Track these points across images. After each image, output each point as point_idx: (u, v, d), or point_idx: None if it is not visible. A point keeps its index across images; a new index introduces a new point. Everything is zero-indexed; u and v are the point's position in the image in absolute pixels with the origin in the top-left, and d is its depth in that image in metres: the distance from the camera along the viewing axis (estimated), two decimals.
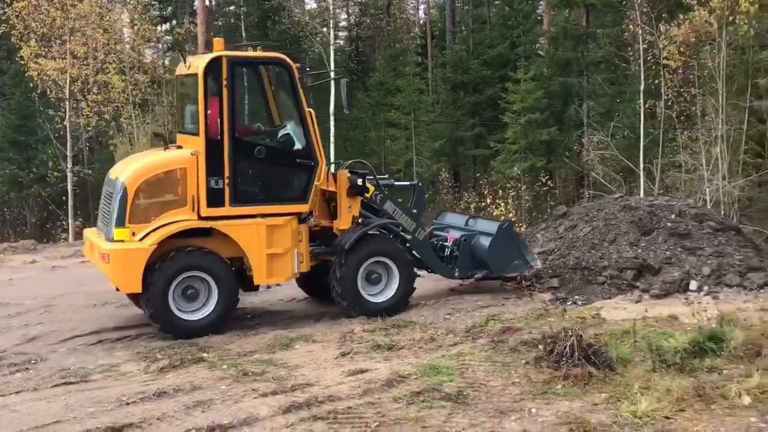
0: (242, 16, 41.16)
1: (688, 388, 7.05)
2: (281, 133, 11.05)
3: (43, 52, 27.35)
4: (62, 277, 14.63)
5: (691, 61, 25.67)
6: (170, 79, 33.48)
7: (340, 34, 51.36)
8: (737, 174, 24.31)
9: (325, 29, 37.88)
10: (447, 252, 12.03)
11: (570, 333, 8.00)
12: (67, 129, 27.60)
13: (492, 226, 12.21)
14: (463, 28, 43.98)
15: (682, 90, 26.21)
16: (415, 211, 11.90)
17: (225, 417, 6.86)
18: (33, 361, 9.13)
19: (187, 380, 8.02)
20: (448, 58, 41.12)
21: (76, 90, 27.80)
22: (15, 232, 32.74)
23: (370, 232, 11.10)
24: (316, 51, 39.07)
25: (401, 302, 11.25)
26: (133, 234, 9.96)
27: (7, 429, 6.91)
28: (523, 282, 12.26)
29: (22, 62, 28.01)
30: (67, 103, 27.39)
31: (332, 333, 10.01)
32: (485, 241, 11.87)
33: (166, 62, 38.69)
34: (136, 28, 32.25)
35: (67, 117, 27.40)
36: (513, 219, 26.93)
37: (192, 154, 10.24)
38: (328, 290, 11.19)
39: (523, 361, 8.24)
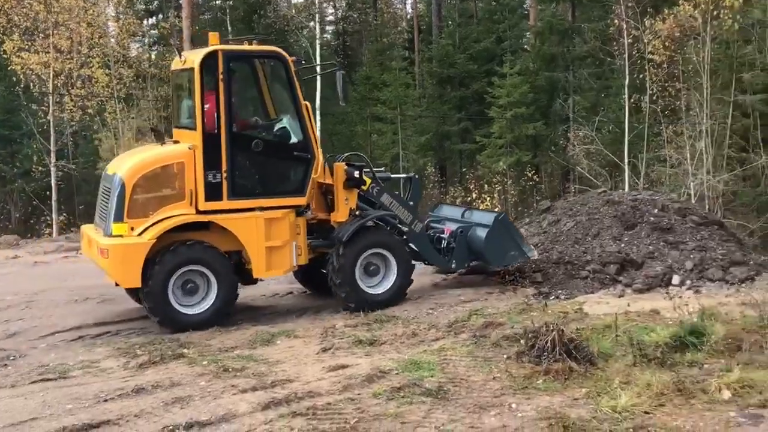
0: (228, 10, 41.00)
1: (668, 382, 7.03)
2: (278, 126, 11.04)
3: (26, 46, 27.15)
4: (44, 273, 14.53)
5: (676, 55, 25.69)
6: (155, 73, 33.42)
7: (327, 28, 51.27)
8: (721, 168, 24.38)
9: (311, 23, 37.82)
10: (444, 244, 12.03)
11: (551, 328, 7.97)
12: (51, 123, 27.43)
13: (488, 218, 12.22)
14: (450, 22, 43.95)
15: (666, 84, 26.23)
16: (411, 203, 11.92)
17: (203, 413, 6.81)
18: (12, 358, 9.05)
19: (166, 376, 7.96)
20: (434, 52, 41.09)
21: (59, 84, 27.62)
22: None
23: (367, 224, 11.09)
24: (303, 45, 38.96)
25: (399, 293, 11.28)
26: (132, 229, 9.98)
27: None
28: (507, 277, 12.24)
29: (5, 56, 27.80)
30: (51, 97, 27.21)
31: (314, 328, 9.97)
32: (482, 233, 11.87)
33: (152, 56, 38.53)
34: (121, 22, 32.11)
35: (51, 111, 27.22)
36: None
37: (189, 148, 10.24)
38: (325, 283, 11.19)
39: (505, 356, 8.21)
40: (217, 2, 45.33)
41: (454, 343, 8.86)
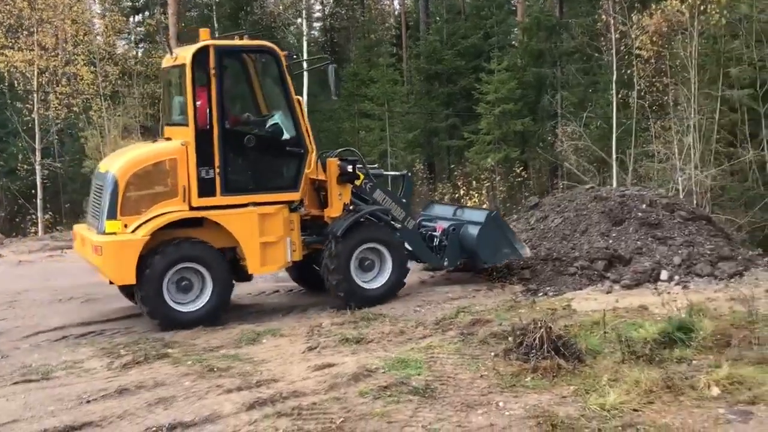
0: (214, 7, 40.79)
1: (657, 379, 6.96)
2: (270, 121, 11.01)
3: (10, 44, 26.94)
4: (28, 272, 14.41)
5: (664, 50, 25.68)
6: (141, 70, 33.23)
7: (314, 24, 51.12)
8: (709, 163, 24.35)
9: (299, 20, 37.63)
10: (436, 242, 11.96)
11: (539, 325, 7.90)
12: (36, 122, 27.22)
13: (480, 215, 12.17)
14: (437, 18, 43.87)
15: (654, 80, 26.23)
16: (404, 200, 11.89)
17: (187, 414, 6.71)
18: None
19: (150, 376, 7.85)
20: (422, 48, 41.00)
21: (44, 82, 27.41)
22: None
23: (362, 219, 11.03)
24: (290, 42, 38.80)
25: (394, 288, 11.26)
26: (125, 226, 9.93)
27: None
28: (495, 274, 12.18)
29: None
30: (36, 95, 26.99)
31: (300, 327, 9.88)
32: (474, 230, 11.82)
33: (138, 54, 38.34)
34: (106, 19, 31.91)
35: (36, 109, 27.02)
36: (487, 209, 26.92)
37: (182, 144, 10.19)
38: (320, 280, 11.14)
39: (492, 354, 8.13)
40: None
41: (442, 341, 8.79)
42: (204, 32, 10.64)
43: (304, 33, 36.10)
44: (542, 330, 7.82)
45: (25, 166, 30.26)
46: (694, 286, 11.29)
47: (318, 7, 51.38)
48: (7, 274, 14.26)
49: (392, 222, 11.56)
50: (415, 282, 12.26)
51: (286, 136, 10.82)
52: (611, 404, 6.55)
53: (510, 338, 8.18)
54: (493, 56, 34.86)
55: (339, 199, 11.13)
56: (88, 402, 7.18)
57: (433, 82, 39.89)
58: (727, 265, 11.79)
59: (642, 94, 26.42)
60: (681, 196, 21.05)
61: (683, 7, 23.83)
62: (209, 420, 6.59)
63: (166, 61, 11.28)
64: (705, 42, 25.25)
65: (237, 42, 11.01)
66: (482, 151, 33.62)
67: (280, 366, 8.17)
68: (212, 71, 10.19)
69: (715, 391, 6.78)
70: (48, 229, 27.69)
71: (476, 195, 30.10)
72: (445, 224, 12.18)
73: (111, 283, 10.54)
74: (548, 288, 11.57)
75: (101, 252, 9.88)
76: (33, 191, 28.69)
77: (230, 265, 10.49)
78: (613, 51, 26.89)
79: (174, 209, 10.11)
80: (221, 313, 10.33)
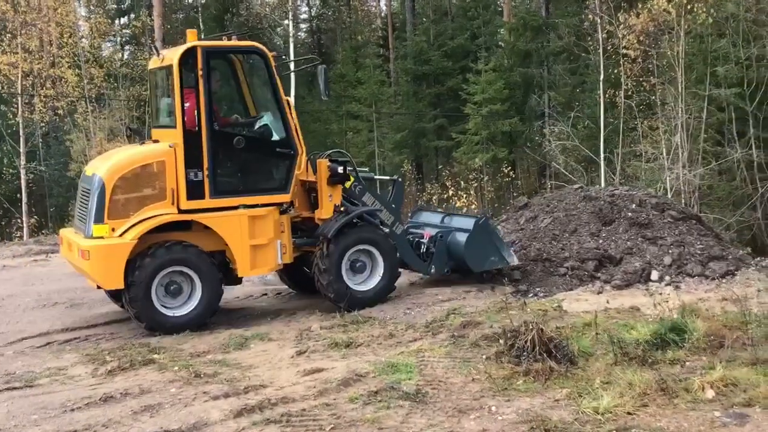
0: (200, 9, 40.61)
1: (651, 381, 6.86)
2: (259, 122, 10.89)
3: None
4: (12, 277, 14.19)
5: (651, 50, 25.69)
6: (127, 72, 33.02)
7: (301, 26, 51.00)
8: (697, 162, 24.38)
9: (285, 21, 37.51)
10: (423, 249, 11.86)
11: (531, 327, 7.79)
12: (20, 125, 26.99)
13: (468, 223, 12.06)
14: (424, 19, 43.80)
15: (641, 79, 26.24)
16: (393, 205, 11.77)
17: (174, 422, 6.58)
18: None
19: (136, 383, 7.71)
20: (408, 49, 40.91)
21: (28, 85, 27.18)
22: None
23: (353, 220, 10.93)
24: (277, 44, 38.66)
25: (386, 290, 11.16)
26: (113, 230, 9.80)
27: None
28: (484, 275, 12.08)
29: None
30: (20, 98, 26.76)
31: (289, 331, 9.75)
32: (461, 238, 11.71)
33: (124, 56, 38.14)
34: (91, 21, 31.70)
35: (20, 113, 26.78)
36: (475, 210, 26.88)
37: (170, 146, 10.06)
38: (310, 282, 11.04)
39: (484, 357, 8.02)
40: (189, 0, 44.93)
41: (432, 344, 8.66)
42: (191, 33, 10.53)
43: (291, 34, 35.97)
44: (534, 332, 7.71)
45: (10, 170, 30.02)
46: (685, 287, 11.24)
47: (305, 8, 51.29)
48: None
49: (381, 226, 11.43)
50: (404, 283, 12.14)
51: (275, 137, 10.72)
52: (605, 407, 6.44)
53: (501, 341, 8.05)
54: (480, 57, 34.83)
55: (330, 201, 11.01)
56: (72, 410, 7.03)
57: (420, 83, 39.80)
58: (717, 265, 11.74)
59: (629, 93, 26.43)
60: (669, 196, 21.03)
61: (670, 6, 23.85)
62: (196, 428, 6.46)
63: (153, 63, 11.15)
64: (692, 41, 25.30)
65: (225, 43, 10.92)
66: (470, 152, 33.54)
67: (268, 371, 8.04)
68: (200, 72, 10.06)
69: (710, 393, 6.69)
70: (34, 233, 27.46)
71: (465, 195, 30.00)
72: (432, 231, 12.07)
73: (99, 287, 10.38)
74: (539, 289, 11.50)
75: (88, 256, 9.73)
76: (18, 195, 28.46)
77: (220, 269, 10.36)
78: (600, 51, 26.90)
79: (162, 212, 9.98)
80: (210, 317, 10.21)
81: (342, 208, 11.03)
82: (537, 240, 12.60)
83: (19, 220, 28.48)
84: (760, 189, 24.23)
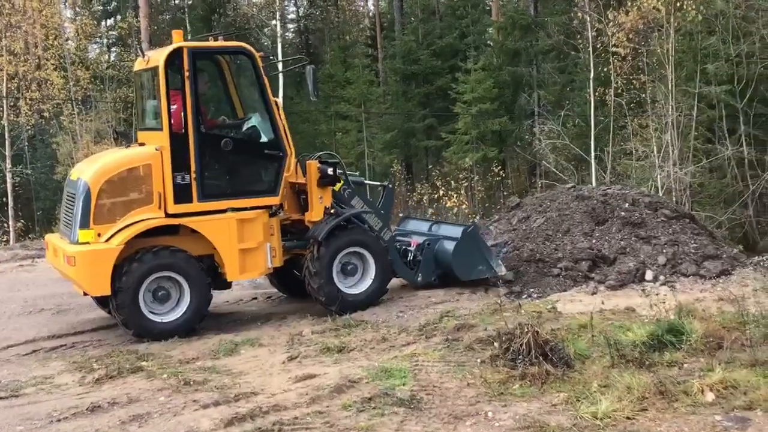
0: (187, 9, 40.38)
1: (649, 385, 6.74)
2: (247, 124, 10.75)
3: None
4: None
5: (640, 48, 25.63)
6: (113, 74, 32.79)
7: (289, 26, 50.83)
8: (688, 160, 24.34)
9: (273, 22, 37.33)
10: (410, 257, 11.72)
11: (526, 329, 7.67)
12: (5, 128, 26.73)
13: (456, 231, 11.91)
14: (412, 18, 43.68)
15: (631, 77, 26.18)
16: (383, 211, 11.61)
17: None
18: None
19: (123, 392, 7.53)
20: (397, 49, 40.80)
21: (13, 87, 26.92)
22: None
23: (344, 222, 10.78)
24: (264, 44, 38.47)
25: (378, 293, 11.00)
26: (99, 235, 9.61)
27: None
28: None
29: None
30: (5, 101, 26.50)
31: (280, 336, 9.58)
32: (449, 246, 11.56)
33: (111, 58, 37.90)
34: (77, 23, 31.45)
35: (5, 116, 26.52)
36: (466, 210, 26.77)
37: (156, 149, 9.89)
38: (301, 285, 10.88)
39: (479, 360, 7.88)
40: (175, 1, 44.69)
41: (426, 348, 8.51)
42: (177, 34, 10.36)
43: (279, 35, 35.80)
44: (529, 335, 7.60)
45: None
46: (680, 286, 11.12)
47: (292, 8, 51.09)
48: None
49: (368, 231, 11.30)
50: (396, 286, 11.96)
51: (263, 138, 10.57)
52: (603, 412, 6.32)
53: (496, 344, 7.93)
54: (469, 56, 34.76)
55: (320, 203, 10.86)
56: (59, 420, 6.85)
57: (409, 83, 39.69)
58: (712, 264, 11.63)
59: (619, 91, 26.37)
60: (660, 194, 20.96)
61: (659, 3, 23.78)
62: None
63: (139, 64, 10.98)
64: (681, 39, 25.26)
65: (211, 43, 10.76)
66: (460, 151, 33.45)
67: (259, 378, 7.87)
68: (186, 74, 9.90)
69: (710, 396, 6.58)
70: (20, 236, 27.20)
71: (455, 195, 29.86)
72: (419, 239, 11.93)
73: (85, 294, 10.20)
74: (532, 290, 11.36)
75: (74, 262, 9.56)
76: (4, 199, 28.18)
77: (208, 273, 10.19)
78: (590, 49, 26.82)
79: (149, 216, 9.80)
80: (199, 322, 10.04)
81: (332, 211, 10.88)
82: (530, 240, 12.45)
83: (5, 225, 28.20)
84: (751, 186, 24.21)
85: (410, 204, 30.55)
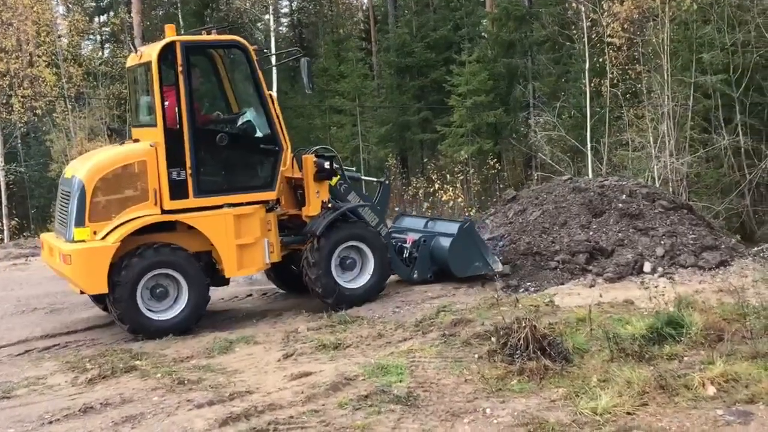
0: (179, 5, 40.14)
1: (650, 379, 6.64)
2: (242, 119, 10.65)
3: None
4: None
5: (636, 38, 25.50)
6: (106, 71, 32.61)
7: (282, 20, 50.59)
8: (684, 150, 24.22)
9: (266, 16, 37.10)
10: (406, 254, 11.62)
11: (524, 324, 7.57)
12: None
13: (452, 227, 11.82)
14: (406, 11, 43.48)
15: (627, 67, 26.03)
16: (379, 207, 11.55)
17: None
18: None
19: (117, 392, 7.43)
20: (391, 42, 40.59)
21: (5, 85, 26.73)
22: None
23: (341, 216, 10.70)
24: (258, 38, 38.24)
25: (377, 287, 10.95)
26: (95, 233, 9.55)
27: None
28: None
29: None
30: None
31: (275, 333, 9.49)
32: (445, 242, 11.48)
33: (105, 54, 37.71)
34: (69, 19, 31.25)
35: None
36: (461, 203, 26.65)
37: (151, 146, 9.81)
38: (299, 281, 10.81)
39: (476, 356, 7.79)
40: None
41: (423, 344, 8.42)
42: (169, 28, 10.27)
43: (272, 29, 35.58)
44: (527, 329, 7.50)
45: None
46: (679, 278, 11.04)
47: (285, 2, 50.83)
48: None
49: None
50: (392, 281, 11.86)
51: (259, 133, 10.50)
52: (603, 408, 6.22)
53: (493, 339, 7.82)
54: (464, 48, 34.55)
55: (317, 197, 10.78)
56: (51, 422, 6.75)
57: (403, 76, 39.51)
58: (711, 255, 11.55)
59: (615, 82, 26.22)
60: (657, 185, 20.87)
61: None
62: None
63: (131, 60, 10.88)
64: (677, 28, 25.10)
65: (204, 37, 10.66)
66: (455, 144, 33.30)
67: (254, 376, 7.77)
68: (179, 68, 9.81)
69: (711, 390, 6.48)
70: (15, 235, 27.05)
71: (450, 188, 29.71)
72: (415, 236, 11.83)
73: (82, 292, 10.08)
74: (529, 283, 11.28)
75: (70, 261, 9.47)
76: None
77: (206, 270, 10.11)
78: (585, 39, 26.66)
79: (145, 213, 9.74)
80: (197, 320, 9.97)
81: (329, 205, 10.78)
82: (526, 233, 12.36)
83: None
84: (748, 176, 24.09)
85: (405, 198, 30.40)
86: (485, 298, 10.45)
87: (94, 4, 42.38)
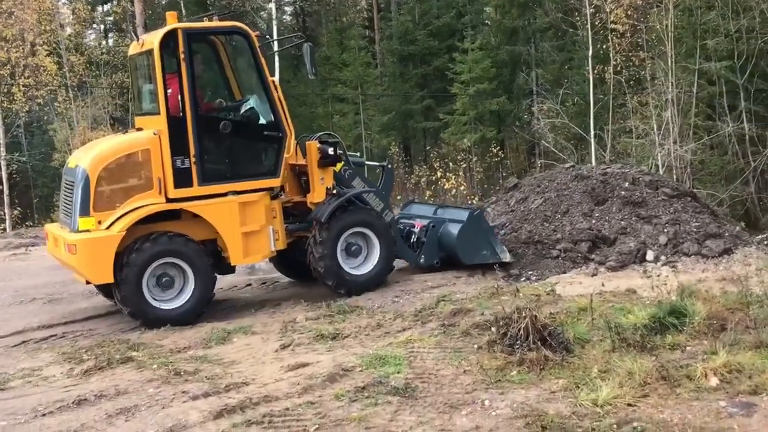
0: None
1: (651, 369, 6.53)
2: (245, 106, 10.58)
3: None
4: None
5: (639, 24, 25.32)
6: (108, 59, 32.52)
7: (285, 8, 50.35)
8: (688, 137, 24.08)
9: (269, 4, 36.91)
10: (413, 239, 11.53)
11: (524, 314, 7.46)
12: None
13: (462, 214, 11.73)
14: None
15: (630, 54, 25.88)
16: (383, 192, 11.46)
17: (150, 426, 6.22)
18: None
19: (112, 384, 7.33)
20: (394, 29, 40.41)
21: (6, 74, 26.64)
22: None
23: (346, 203, 10.63)
24: (260, 27, 38.05)
25: (383, 273, 10.91)
26: (99, 222, 9.49)
27: None
28: None
29: None
30: None
31: (273, 323, 9.39)
32: (454, 229, 11.38)
33: (109, 43, 37.61)
34: (71, 7, 31.13)
35: None
36: (464, 191, 26.55)
37: (154, 134, 9.74)
38: (305, 268, 10.75)
39: (476, 346, 7.68)
40: None
41: (422, 334, 8.32)
42: (171, 15, 10.16)
43: (275, 17, 35.37)
44: (527, 319, 7.38)
45: None
46: (682, 266, 10.94)
47: None
48: None
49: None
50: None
51: (262, 120, 10.43)
52: (604, 399, 6.10)
53: (493, 329, 7.71)
54: (467, 35, 34.39)
55: (321, 184, 10.70)
56: (44, 415, 6.66)
57: (406, 64, 39.34)
58: (714, 243, 11.43)
59: (618, 69, 26.10)
60: (661, 172, 20.73)
61: None
62: None
63: (133, 48, 10.79)
64: (681, 14, 24.93)
65: (206, 24, 10.59)
66: (458, 132, 33.18)
67: (251, 367, 7.68)
68: (182, 56, 9.72)
69: (714, 380, 6.36)
70: (18, 224, 27.01)
71: (453, 177, 29.60)
72: (424, 222, 11.73)
73: (88, 282, 10.01)
74: (531, 272, 11.18)
75: (75, 251, 9.41)
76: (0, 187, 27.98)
77: (212, 258, 10.05)
78: (588, 26, 26.50)
79: (150, 202, 9.67)
80: (204, 308, 9.92)
81: (334, 191, 10.71)
82: (528, 222, 12.26)
83: (1, 213, 28.00)
84: (753, 163, 23.97)
85: (408, 186, 30.28)
86: (486, 287, 10.35)
87: None
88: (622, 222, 11.85)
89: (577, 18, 28.88)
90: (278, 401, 6.56)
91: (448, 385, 6.76)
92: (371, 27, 46.50)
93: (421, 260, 11.49)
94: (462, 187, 27.94)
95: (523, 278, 11.01)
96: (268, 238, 10.24)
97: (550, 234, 11.80)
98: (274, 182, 10.41)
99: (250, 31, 10.33)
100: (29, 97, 27.20)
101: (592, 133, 26.40)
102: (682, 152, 23.25)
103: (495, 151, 32.79)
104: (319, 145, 10.73)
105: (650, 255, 11.27)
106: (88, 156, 9.95)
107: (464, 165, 32.03)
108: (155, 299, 9.68)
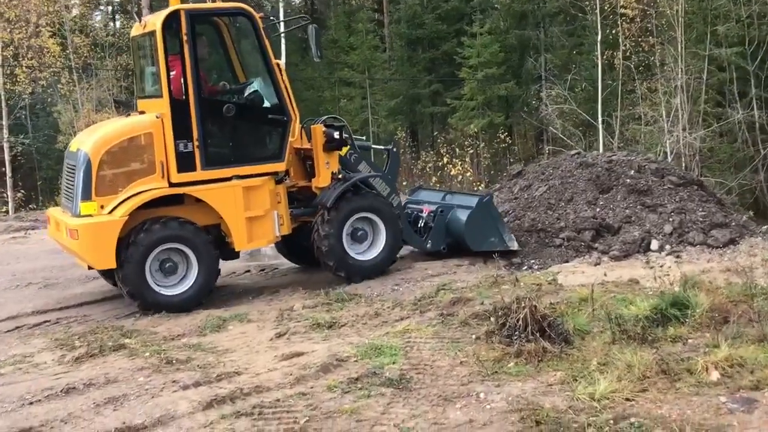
0: None
1: (651, 362, 6.37)
2: (249, 89, 10.40)
3: None
4: None
5: (649, 9, 25.05)
6: (113, 41, 32.37)
7: None
8: (697, 125, 23.84)
9: None
10: (421, 224, 11.39)
11: (523, 304, 7.31)
12: (1, 97, 26.35)
13: (471, 201, 11.56)
14: None
15: (640, 40, 25.63)
16: (389, 176, 11.32)
17: (138, 416, 6.09)
18: None
19: (102, 372, 7.21)
20: (402, 13, 40.12)
21: (9, 56, 26.51)
22: None
23: (352, 188, 10.50)
24: (267, 10, 37.83)
25: (389, 258, 10.77)
26: (102, 207, 9.35)
27: None
28: None
29: None
30: (0, 69, 26.10)
31: (270, 311, 9.25)
32: (462, 215, 11.21)
33: (116, 25, 37.46)
34: None
35: (1, 84, 26.13)
36: (470, 177, 26.39)
37: (157, 117, 9.59)
38: (309, 253, 10.63)
39: (474, 337, 7.54)
40: None
41: (420, 323, 8.18)
42: None
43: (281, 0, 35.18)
44: (526, 309, 7.23)
45: None
46: (687, 256, 10.74)
47: None
48: None
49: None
50: None
51: (266, 103, 10.26)
52: (601, 393, 5.95)
53: (492, 319, 7.57)
54: (475, 19, 34.12)
55: (327, 168, 10.55)
56: (31, 404, 6.53)
57: (414, 48, 39.10)
58: (720, 233, 11.23)
59: (627, 54, 25.85)
60: (669, 159, 20.52)
61: None
62: (161, 422, 5.97)
63: (136, 30, 10.65)
64: None
65: (209, 5, 10.46)
66: (466, 117, 32.98)
67: (245, 356, 7.55)
68: (184, 37, 9.55)
69: (714, 375, 6.20)
70: (20, 207, 26.96)
71: (460, 163, 29.41)
72: (432, 207, 11.57)
73: (90, 268, 9.88)
74: (533, 261, 11.02)
75: (77, 235, 9.27)
76: (2, 169, 27.89)
77: (215, 244, 9.92)
78: (598, 11, 26.23)
79: (152, 187, 9.52)
80: (207, 294, 9.80)
81: (340, 176, 10.56)
82: (531, 209, 12.08)
83: (4, 195, 27.94)
84: (763, 151, 23.73)
85: (414, 172, 30.08)
86: (487, 276, 10.17)
87: None
88: (627, 210, 11.67)
89: (587, 2, 28.61)
90: (269, 392, 6.43)
91: (444, 377, 6.62)
92: (380, 10, 46.22)
93: (428, 245, 11.35)
94: (468, 174, 27.75)
95: (525, 267, 10.85)
96: (273, 223, 10.10)
97: (554, 222, 11.64)
98: (279, 167, 10.25)
99: (254, 13, 10.14)
100: (32, 78, 27.05)
101: (600, 119, 26.16)
102: (691, 139, 23.02)
103: (503, 137, 32.56)
104: (324, 128, 10.58)
105: (655, 244, 11.09)
106: (90, 140, 9.82)
107: (471, 151, 31.83)
108: (157, 284, 9.55)
